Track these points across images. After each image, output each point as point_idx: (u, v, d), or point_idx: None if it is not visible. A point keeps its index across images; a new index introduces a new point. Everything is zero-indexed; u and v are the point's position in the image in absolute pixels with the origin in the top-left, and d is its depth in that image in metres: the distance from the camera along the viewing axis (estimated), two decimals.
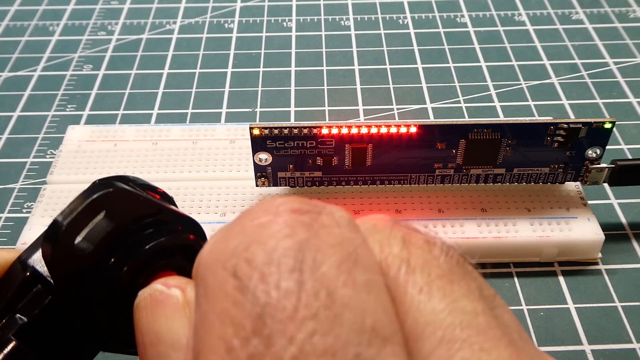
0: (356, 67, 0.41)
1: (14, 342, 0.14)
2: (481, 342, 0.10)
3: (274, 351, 0.09)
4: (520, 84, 0.39)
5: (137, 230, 0.15)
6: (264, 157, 0.29)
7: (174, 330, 0.12)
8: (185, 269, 0.15)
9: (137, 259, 0.15)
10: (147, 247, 0.15)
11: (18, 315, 0.15)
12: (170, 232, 0.15)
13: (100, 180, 0.15)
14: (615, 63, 0.41)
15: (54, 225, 0.14)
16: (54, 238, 0.14)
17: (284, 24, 0.45)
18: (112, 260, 0.14)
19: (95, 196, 0.14)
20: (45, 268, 0.15)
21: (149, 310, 0.13)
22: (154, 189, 0.16)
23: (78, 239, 0.14)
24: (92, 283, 0.14)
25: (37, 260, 0.15)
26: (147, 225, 0.15)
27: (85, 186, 0.15)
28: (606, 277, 0.29)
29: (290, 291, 0.10)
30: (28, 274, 0.15)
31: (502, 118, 0.37)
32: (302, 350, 0.09)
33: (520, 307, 0.27)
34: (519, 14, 0.46)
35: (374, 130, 0.28)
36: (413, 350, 0.10)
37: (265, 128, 0.28)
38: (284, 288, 0.10)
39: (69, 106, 0.39)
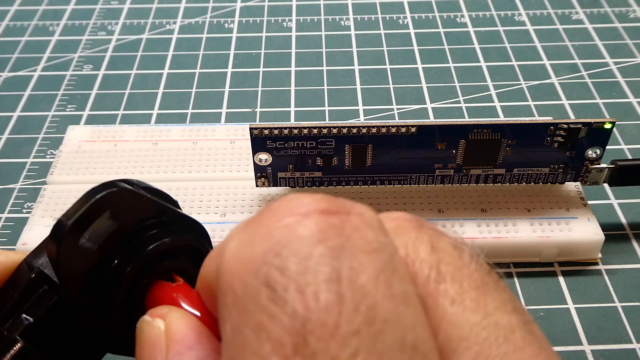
0: (356, 67, 0.41)
1: (20, 342, 0.14)
2: None
3: None
4: (520, 84, 0.39)
5: (140, 231, 0.15)
6: (264, 158, 0.29)
7: (152, 357, 0.13)
8: (187, 270, 0.16)
9: (140, 259, 0.15)
10: (150, 248, 0.15)
11: (24, 315, 0.15)
12: (173, 233, 0.15)
13: (104, 182, 0.15)
14: (615, 63, 0.41)
15: (59, 225, 0.14)
16: (59, 237, 0.14)
17: (284, 24, 0.45)
18: (116, 260, 0.15)
19: (99, 196, 0.14)
20: (51, 269, 0.15)
21: (137, 340, 0.14)
22: (157, 192, 0.16)
23: (82, 239, 0.14)
24: (96, 283, 0.15)
25: (44, 262, 0.15)
26: (151, 226, 0.15)
27: (86, 186, 0.15)
28: (606, 277, 0.29)
29: (330, 305, 0.09)
30: (34, 275, 0.15)
31: (502, 118, 0.37)
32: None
33: None
34: (519, 14, 0.46)
35: (374, 131, 0.28)
36: None
37: (266, 128, 0.28)
38: (323, 301, 0.09)
39: (69, 106, 0.39)
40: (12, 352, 0.14)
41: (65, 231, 0.14)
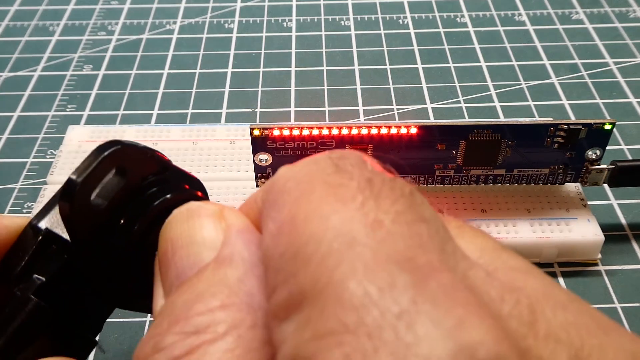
0: (356, 67, 0.41)
1: (35, 300, 0.15)
2: (512, 260, 0.13)
3: (381, 202, 0.11)
4: (520, 84, 0.39)
5: (145, 187, 0.15)
6: (265, 158, 0.29)
7: (208, 233, 0.13)
8: None
9: (146, 215, 0.15)
10: (155, 203, 0.15)
11: (35, 275, 0.15)
12: (177, 189, 0.16)
13: (107, 141, 0.15)
14: (615, 63, 0.41)
15: (70, 183, 0.14)
16: (71, 195, 0.14)
17: (284, 24, 0.45)
18: (124, 217, 0.15)
19: (107, 153, 0.14)
20: (59, 229, 0.15)
21: (184, 219, 0.14)
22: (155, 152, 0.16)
23: (93, 195, 0.14)
24: (106, 240, 0.15)
25: (52, 221, 0.16)
26: (155, 182, 0.16)
27: None
28: (606, 278, 0.29)
29: (384, 180, 0.12)
30: (42, 236, 0.15)
31: (502, 118, 0.37)
32: (405, 205, 0.11)
33: None
34: (519, 14, 0.46)
35: (374, 131, 0.28)
36: None
37: (266, 129, 0.28)
38: (379, 178, 0.12)
39: (69, 106, 0.39)
40: (26, 310, 0.14)
41: (77, 189, 0.14)
